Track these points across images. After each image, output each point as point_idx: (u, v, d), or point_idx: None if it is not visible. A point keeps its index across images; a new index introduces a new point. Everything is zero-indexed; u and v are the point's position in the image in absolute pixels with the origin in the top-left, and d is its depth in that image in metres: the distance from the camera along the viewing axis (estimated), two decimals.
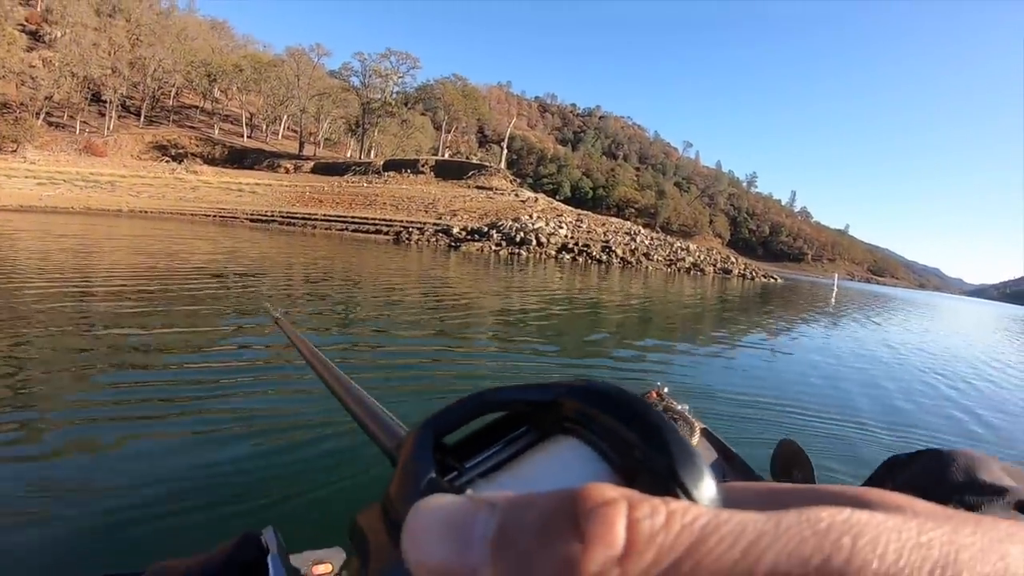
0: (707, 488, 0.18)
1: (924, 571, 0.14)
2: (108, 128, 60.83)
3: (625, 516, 0.15)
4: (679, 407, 2.16)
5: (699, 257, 39.99)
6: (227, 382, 4.43)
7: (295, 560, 0.63)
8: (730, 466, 2.02)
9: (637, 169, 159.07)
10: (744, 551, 0.14)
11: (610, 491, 0.15)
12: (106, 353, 4.85)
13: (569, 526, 0.15)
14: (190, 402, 3.93)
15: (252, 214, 38.09)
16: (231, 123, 77.22)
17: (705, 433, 2.17)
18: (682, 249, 40.54)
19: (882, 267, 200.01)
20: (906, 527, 0.14)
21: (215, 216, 35.05)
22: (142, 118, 68.21)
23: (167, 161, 57.94)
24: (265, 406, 4.00)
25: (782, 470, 1.94)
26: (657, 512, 0.15)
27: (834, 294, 36.01)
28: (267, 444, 3.34)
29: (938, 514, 0.16)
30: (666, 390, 2.31)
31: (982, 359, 11.84)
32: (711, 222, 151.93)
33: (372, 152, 74.04)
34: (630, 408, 0.21)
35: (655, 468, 0.19)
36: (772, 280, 41.79)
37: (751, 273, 41.50)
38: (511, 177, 62.49)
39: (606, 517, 0.15)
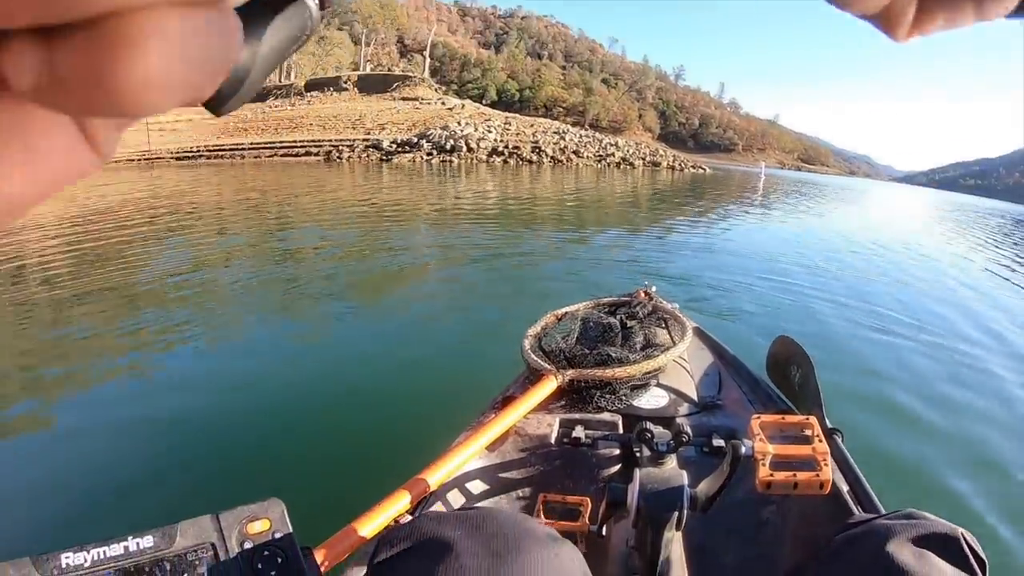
0: None
1: None
2: None
3: None
4: (670, 306, 2.15)
5: (628, 151, 40.67)
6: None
7: (226, 518, 0.59)
8: (724, 364, 1.97)
9: (563, 68, 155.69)
10: None
11: None
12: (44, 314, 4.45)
13: None
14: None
15: (177, 152, 36.50)
16: None
17: (698, 332, 2.17)
18: (611, 144, 41.00)
19: (812, 155, 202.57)
20: None
21: (139, 160, 33.46)
22: None
23: None
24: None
25: (777, 368, 1.98)
26: None
27: (761, 183, 34.66)
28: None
29: None
30: (654, 289, 2.37)
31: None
32: (640, 117, 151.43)
33: (292, 74, 70.73)
34: None
35: None
36: (701, 170, 42.81)
37: (680, 164, 42.61)
38: (436, 86, 61.17)
39: None
